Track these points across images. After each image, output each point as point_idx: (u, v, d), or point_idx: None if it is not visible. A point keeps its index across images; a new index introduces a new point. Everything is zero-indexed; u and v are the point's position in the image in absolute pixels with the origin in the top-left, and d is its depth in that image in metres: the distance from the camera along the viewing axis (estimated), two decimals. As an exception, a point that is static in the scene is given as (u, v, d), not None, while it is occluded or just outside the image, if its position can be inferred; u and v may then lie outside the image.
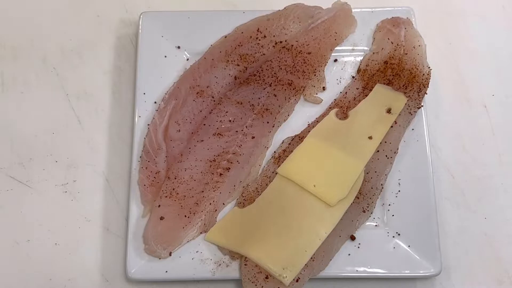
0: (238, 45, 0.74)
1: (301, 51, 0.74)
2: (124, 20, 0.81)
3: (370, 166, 0.69)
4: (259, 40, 0.75)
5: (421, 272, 0.65)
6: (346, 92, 0.74)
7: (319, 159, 0.69)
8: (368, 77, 0.74)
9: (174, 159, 0.70)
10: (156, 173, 0.69)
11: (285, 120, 0.73)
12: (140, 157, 0.70)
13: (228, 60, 0.74)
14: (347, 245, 0.67)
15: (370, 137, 0.70)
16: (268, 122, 0.72)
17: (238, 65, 0.74)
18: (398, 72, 0.73)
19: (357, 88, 0.74)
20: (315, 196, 0.66)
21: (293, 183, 0.67)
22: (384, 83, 0.73)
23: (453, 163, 0.74)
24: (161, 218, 0.66)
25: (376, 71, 0.74)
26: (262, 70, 0.73)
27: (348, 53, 0.77)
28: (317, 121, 0.72)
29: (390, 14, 0.77)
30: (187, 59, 0.75)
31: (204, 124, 0.71)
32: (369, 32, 0.77)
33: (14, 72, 0.78)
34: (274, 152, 0.71)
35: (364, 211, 0.67)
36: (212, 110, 0.72)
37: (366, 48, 0.77)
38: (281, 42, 0.75)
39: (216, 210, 0.68)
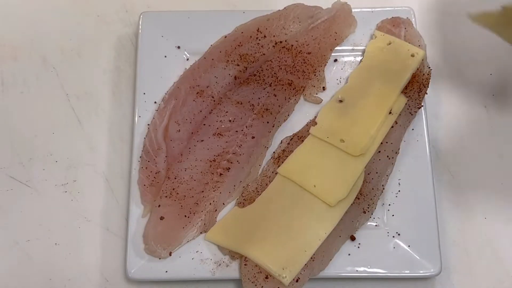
0: (238, 45, 0.74)
1: (301, 51, 0.74)
2: (124, 20, 0.81)
3: (371, 166, 0.69)
4: (259, 40, 0.75)
5: (421, 272, 0.65)
6: (346, 92, 0.74)
7: (319, 159, 0.68)
8: (368, 77, 0.74)
9: (174, 159, 0.69)
10: (156, 173, 0.69)
11: (285, 120, 0.73)
12: (140, 157, 0.70)
13: (228, 60, 0.74)
14: (347, 245, 0.67)
15: (370, 137, 0.70)
16: (268, 122, 0.72)
17: (238, 65, 0.74)
18: (398, 72, 0.73)
19: (357, 88, 0.74)
20: (315, 196, 0.66)
21: (293, 183, 0.67)
22: (384, 83, 0.73)
23: (453, 163, 0.74)
24: (161, 218, 0.66)
25: (376, 71, 0.74)
26: (262, 70, 0.73)
27: (348, 53, 0.77)
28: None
29: (390, 14, 0.77)
30: (187, 59, 0.75)
31: (204, 124, 0.71)
32: (369, 32, 0.77)
33: (14, 72, 0.78)
34: (274, 152, 0.71)
35: (364, 212, 0.67)
36: (212, 110, 0.72)
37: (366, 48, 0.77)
38: (281, 42, 0.75)
39: (216, 210, 0.68)
